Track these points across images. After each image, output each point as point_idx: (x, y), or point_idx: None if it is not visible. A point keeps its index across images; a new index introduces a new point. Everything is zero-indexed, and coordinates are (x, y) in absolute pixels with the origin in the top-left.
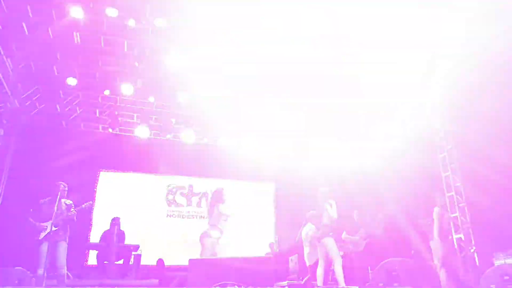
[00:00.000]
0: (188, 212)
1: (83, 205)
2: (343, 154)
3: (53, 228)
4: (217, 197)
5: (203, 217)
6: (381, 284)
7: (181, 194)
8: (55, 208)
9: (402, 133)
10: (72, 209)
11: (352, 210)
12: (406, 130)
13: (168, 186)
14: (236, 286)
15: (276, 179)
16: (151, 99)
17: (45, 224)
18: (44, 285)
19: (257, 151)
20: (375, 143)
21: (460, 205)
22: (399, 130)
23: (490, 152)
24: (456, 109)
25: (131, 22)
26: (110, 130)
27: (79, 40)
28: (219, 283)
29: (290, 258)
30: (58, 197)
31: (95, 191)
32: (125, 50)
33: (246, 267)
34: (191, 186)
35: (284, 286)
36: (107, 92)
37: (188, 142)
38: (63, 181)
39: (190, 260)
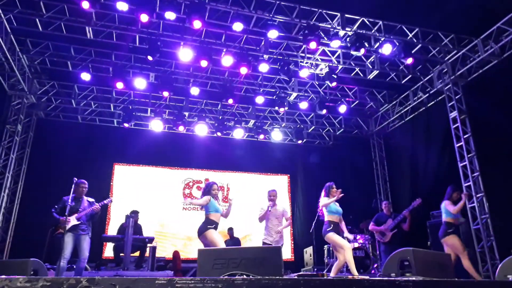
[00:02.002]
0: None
1: (105, 201)
2: None
3: (77, 222)
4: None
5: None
6: (393, 274)
7: (198, 188)
8: (80, 204)
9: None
10: (96, 204)
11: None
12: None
13: (185, 180)
14: (244, 276)
15: (290, 171)
16: (165, 93)
17: (69, 217)
18: (63, 275)
19: (271, 144)
20: None
21: (478, 195)
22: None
23: (510, 138)
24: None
25: (142, 16)
26: (126, 124)
27: (91, 35)
28: (228, 273)
29: (304, 250)
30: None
31: (112, 185)
32: (137, 44)
33: (255, 257)
34: (207, 180)
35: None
36: (120, 86)
37: (201, 135)
38: (79, 175)
39: (199, 250)
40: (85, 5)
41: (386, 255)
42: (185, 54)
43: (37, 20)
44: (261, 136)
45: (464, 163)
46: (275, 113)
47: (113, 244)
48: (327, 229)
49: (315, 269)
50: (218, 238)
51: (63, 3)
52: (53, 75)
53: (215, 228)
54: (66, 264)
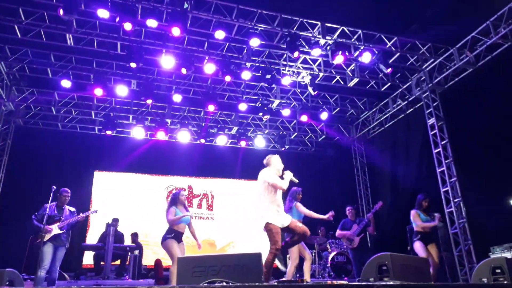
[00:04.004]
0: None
1: (90, 212)
2: None
3: (59, 232)
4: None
5: (203, 218)
6: (371, 279)
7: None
8: (62, 213)
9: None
10: (81, 213)
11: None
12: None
13: (167, 187)
14: (224, 283)
15: None
16: (148, 101)
17: (51, 226)
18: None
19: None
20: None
21: (455, 200)
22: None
23: (486, 144)
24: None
25: (126, 24)
26: (109, 132)
27: (72, 43)
28: (208, 281)
29: (287, 256)
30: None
31: (92, 192)
32: (119, 51)
33: (235, 264)
34: (190, 187)
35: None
36: (99, 93)
37: (183, 142)
38: (59, 183)
39: (178, 258)
40: (61, 12)
41: (356, 261)
42: (167, 61)
43: (15, 26)
44: (243, 143)
45: (442, 169)
46: (258, 120)
47: (93, 252)
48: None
49: (297, 275)
50: (174, 249)
51: (42, 10)
52: (32, 82)
53: (175, 237)
54: (45, 274)
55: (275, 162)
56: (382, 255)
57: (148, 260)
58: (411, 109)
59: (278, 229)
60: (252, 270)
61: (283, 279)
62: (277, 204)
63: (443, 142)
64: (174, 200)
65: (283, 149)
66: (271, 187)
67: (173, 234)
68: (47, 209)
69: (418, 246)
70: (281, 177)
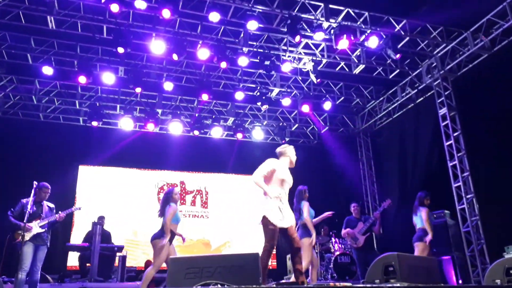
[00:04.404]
0: (181, 211)
1: (72, 209)
2: None
3: (40, 230)
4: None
5: (197, 216)
6: (377, 281)
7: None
8: (41, 209)
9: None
10: (60, 212)
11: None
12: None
13: (158, 183)
14: (219, 285)
15: None
16: (137, 89)
17: (30, 224)
18: None
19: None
20: None
21: (468, 196)
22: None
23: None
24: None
25: (112, 6)
26: (95, 123)
27: (54, 26)
28: (202, 283)
29: (287, 256)
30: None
31: (76, 188)
32: (105, 35)
33: (231, 265)
34: (183, 182)
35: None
36: (83, 80)
37: (175, 134)
38: (41, 177)
39: (170, 258)
40: None
41: (360, 262)
42: (157, 46)
43: None
44: (239, 136)
45: (453, 163)
46: (256, 110)
47: (79, 253)
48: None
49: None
50: (163, 252)
51: None
52: (11, 68)
53: (170, 239)
54: (26, 277)
55: (291, 153)
56: (388, 255)
57: (137, 261)
58: (421, 98)
59: (273, 225)
60: (249, 271)
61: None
62: (279, 199)
63: (455, 134)
64: (167, 199)
65: (283, 141)
66: (275, 178)
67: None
68: (28, 206)
69: (422, 245)
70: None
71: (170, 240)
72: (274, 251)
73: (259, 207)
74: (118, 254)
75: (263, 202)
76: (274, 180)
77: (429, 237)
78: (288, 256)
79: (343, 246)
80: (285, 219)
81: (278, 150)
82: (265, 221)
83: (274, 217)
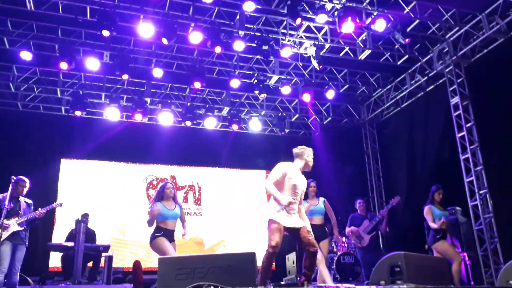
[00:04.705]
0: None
1: (53, 205)
2: None
3: (18, 228)
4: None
5: (189, 214)
6: (382, 283)
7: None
8: (19, 206)
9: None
10: (40, 208)
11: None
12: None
13: (147, 177)
14: (212, 287)
15: (270, 166)
16: (124, 76)
17: (8, 222)
18: None
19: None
20: None
21: (481, 192)
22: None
23: None
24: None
25: None
26: (78, 113)
27: (32, 7)
28: (194, 284)
29: (287, 256)
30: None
31: (58, 183)
32: (88, 17)
33: (226, 265)
34: (174, 177)
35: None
36: (64, 66)
37: (166, 125)
38: (19, 172)
39: (160, 258)
40: None
41: (365, 262)
42: (145, 29)
43: None
44: (235, 127)
45: (466, 156)
46: (253, 99)
47: (61, 253)
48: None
49: (299, 278)
50: (165, 246)
51: None
52: None
53: (164, 235)
54: (3, 279)
55: (308, 156)
56: (394, 255)
57: (125, 262)
58: (432, 86)
59: (279, 226)
60: (245, 272)
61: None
62: (290, 206)
63: (468, 125)
64: (157, 196)
65: (282, 133)
66: (287, 184)
67: (162, 232)
68: (6, 202)
69: (443, 246)
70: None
71: (167, 236)
72: None
73: (266, 211)
74: (104, 254)
75: (271, 205)
76: (286, 185)
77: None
78: (288, 256)
79: (346, 245)
80: (294, 220)
81: (294, 150)
82: (269, 223)
83: (280, 217)
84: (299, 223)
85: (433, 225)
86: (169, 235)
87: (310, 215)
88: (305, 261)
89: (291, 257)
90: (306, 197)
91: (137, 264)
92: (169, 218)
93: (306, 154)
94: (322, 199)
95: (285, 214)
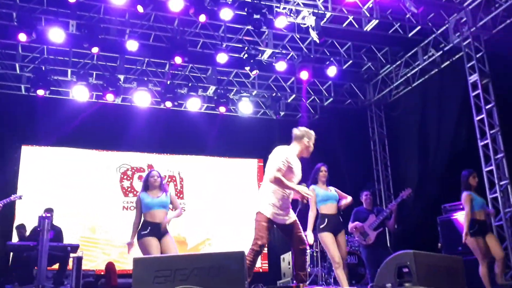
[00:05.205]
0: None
1: (11, 198)
2: None
3: None
4: None
5: (170, 209)
6: (388, 285)
7: (140, 178)
8: None
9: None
10: None
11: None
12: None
13: (120, 167)
14: None
15: (262, 154)
16: (94, 49)
17: None
18: None
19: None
20: None
21: (502, 183)
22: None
23: None
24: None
25: None
26: (41, 92)
27: None
28: None
29: (281, 256)
30: None
31: (18, 173)
32: None
33: (211, 266)
34: (151, 166)
35: None
36: (23, 38)
37: (142, 106)
38: None
39: (134, 259)
40: None
41: (370, 262)
42: None
43: None
44: (222, 109)
45: (485, 142)
46: (243, 77)
47: (23, 254)
48: (319, 226)
49: (293, 281)
50: (151, 251)
51: None
52: None
53: (152, 232)
54: None
55: (309, 141)
56: (402, 254)
57: (96, 263)
58: (448, 62)
59: (269, 222)
60: (233, 273)
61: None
62: (281, 196)
63: (488, 106)
64: (143, 185)
65: (277, 116)
66: (287, 172)
67: (148, 228)
68: None
69: (472, 243)
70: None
71: (155, 233)
72: (266, 251)
73: (257, 200)
74: (72, 255)
75: (265, 196)
76: (287, 175)
77: (464, 232)
78: (283, 256)
79: (349, 244)
80: (288, 216)
81: (295, 132)
82: (256, 216)
83: (268, 210)
84: (292, 218)
85: (468, 215)
86: (159, 231)
87: (325, 201)
88: (296, 260)
89: (287, 258)
90: (315, 183)
91: (110, 266)
92: (154, 207)
93: (307, 137)
94: (332, 187)
95: (279, 208)
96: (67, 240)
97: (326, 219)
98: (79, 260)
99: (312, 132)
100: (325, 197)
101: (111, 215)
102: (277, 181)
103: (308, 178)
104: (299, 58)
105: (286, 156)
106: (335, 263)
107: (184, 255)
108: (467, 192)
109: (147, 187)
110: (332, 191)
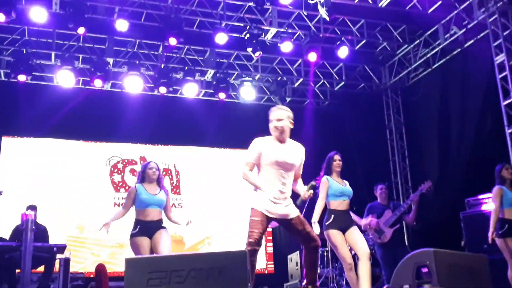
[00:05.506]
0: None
1: None
2: None
3: None
4: None
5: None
6: (406, 286)
7: (132, 172)
8: None
9: None
10: None
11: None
12: None
13: (110, 159)
14: None
15: None
16: (80, 29)
17: None
18: None
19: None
20: None
21: None
22: None
23: None
24: None
25: None
26: (22, 78)
27: None
28: None
29: (289, 256)
30: None
31: None
32: None
33: (210, 267)
34: (144, 158)
35: None
36: (2, 18)
37: (133, 92)
38: None
39: (127, 260)
40: None
41: (386, 261)
42: None
43: None
44: (222, 95)
45: None
46: (245, 60)
47: (5, 255)
48: (325, 222)
49: (302, 283)
50: (141, 251)
51: None
52: None
53: (142, 231)
54: None
55: (271, 117)
56: (421, 252)
57: (85, 265)
58: (472, 41)
59: (261, 217)
60: (235, 275)
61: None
62: (273, 187)
63: None
64: (139, 176)
65: (283, 102)
66: (262, 162)
67: (138, 227)
68: None
69: (501, 244)
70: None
71: (146, 233)
72: (271, 251)
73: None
74: (58, 256)
75: (253, 190)
76: (264, 164)
77: (490, 231)
78: (290, 256)
79: None
80: (284, 208)
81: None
82: (251, 212)
83: (264, 205)
84: (291, 212)
85: (496, 213)
86: (150, 229)
87: (338, 197)
88: (306, 259)
89: (294, 258)
90: (329, 173)
91: (100, 268)
92: (150, 205)
93: (270, 116)
94: (346, 181)
95: (271, 200)
96: (53, 240)
97: (333, 215)
98: (66, 262)
99: (273, 107)
100: (338, 192)
101: (100, 212)
102: (244, 177)
103: (320, 168)
104: (307, 38)
105: (256, 145)
106: (347, 264)
107: (180, 255)
108: (499, 186)
109: (143, 179)
110: (347, 185)
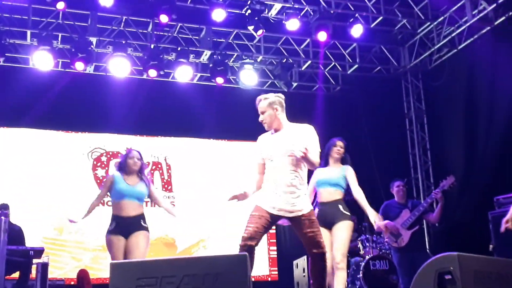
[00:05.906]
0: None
1: None
2: None
3: None
4: None
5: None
6: None
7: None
8: None
9: None
10: None
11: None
12: None
13: (92, 151)
14: None
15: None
16: (59, 4)
17: None
18: None
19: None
20: None
21: None
22: None
23: None
24: None
25: None
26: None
27: None
28: None
29: (294, 262)
30: None
31: None
32: None
33: (205, 273)
34: (130, 151)
35: None
36: None
37: (119, 76)
38: None
39: (111, 264)
40: None
41: (403, 267)
42: None
43: None
44: (220, 80)
45: None
46: (246, 39)
47: None
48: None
49: None
50: (112, 251)
51: None
52: None
53: (117, 229)
54: None
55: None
56: (444, 257)
57: (65, 271)
58: (503, 18)
59: (258, 210)
60: (233, 282)
61: None
62: (272, 182)
63: None
64: (120, 165)
65: (288, 88)
66: (262, 160)
67: (114, 224)
68: None
69: None
70: None
71: (120, 231)
72: (275, 255)
73: None
74: (35, 260)
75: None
76: (262, 160)
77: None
78: (296, 262)
79: (378, 246)
80: (287, 203)
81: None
82: (253, 208)
83: (264, 199)
84: (299, 208)
85: None
86: (126, 228)
87: (318, 186)
88: (310, 266)
89: (301, 264)
90: (325, 164)
91: (82, 274)
92: (126, 197)
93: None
94: (346, 166)
95: (272, 193)
96: (28, 242)
97: (317, 208)
98: (44, 267)
99: (262, 95)
100: (322, 180)
101: (82, 211)
102: None
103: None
104: (316, 15)
105: (256, 144)
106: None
107: (172, 259)
108: None
109: (123, 168)
110: (339, 170)
